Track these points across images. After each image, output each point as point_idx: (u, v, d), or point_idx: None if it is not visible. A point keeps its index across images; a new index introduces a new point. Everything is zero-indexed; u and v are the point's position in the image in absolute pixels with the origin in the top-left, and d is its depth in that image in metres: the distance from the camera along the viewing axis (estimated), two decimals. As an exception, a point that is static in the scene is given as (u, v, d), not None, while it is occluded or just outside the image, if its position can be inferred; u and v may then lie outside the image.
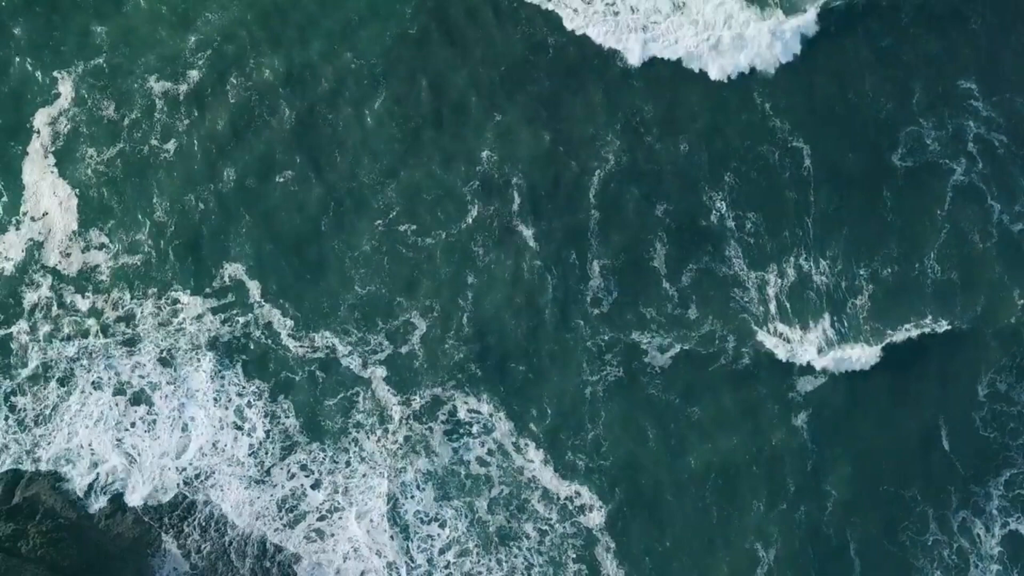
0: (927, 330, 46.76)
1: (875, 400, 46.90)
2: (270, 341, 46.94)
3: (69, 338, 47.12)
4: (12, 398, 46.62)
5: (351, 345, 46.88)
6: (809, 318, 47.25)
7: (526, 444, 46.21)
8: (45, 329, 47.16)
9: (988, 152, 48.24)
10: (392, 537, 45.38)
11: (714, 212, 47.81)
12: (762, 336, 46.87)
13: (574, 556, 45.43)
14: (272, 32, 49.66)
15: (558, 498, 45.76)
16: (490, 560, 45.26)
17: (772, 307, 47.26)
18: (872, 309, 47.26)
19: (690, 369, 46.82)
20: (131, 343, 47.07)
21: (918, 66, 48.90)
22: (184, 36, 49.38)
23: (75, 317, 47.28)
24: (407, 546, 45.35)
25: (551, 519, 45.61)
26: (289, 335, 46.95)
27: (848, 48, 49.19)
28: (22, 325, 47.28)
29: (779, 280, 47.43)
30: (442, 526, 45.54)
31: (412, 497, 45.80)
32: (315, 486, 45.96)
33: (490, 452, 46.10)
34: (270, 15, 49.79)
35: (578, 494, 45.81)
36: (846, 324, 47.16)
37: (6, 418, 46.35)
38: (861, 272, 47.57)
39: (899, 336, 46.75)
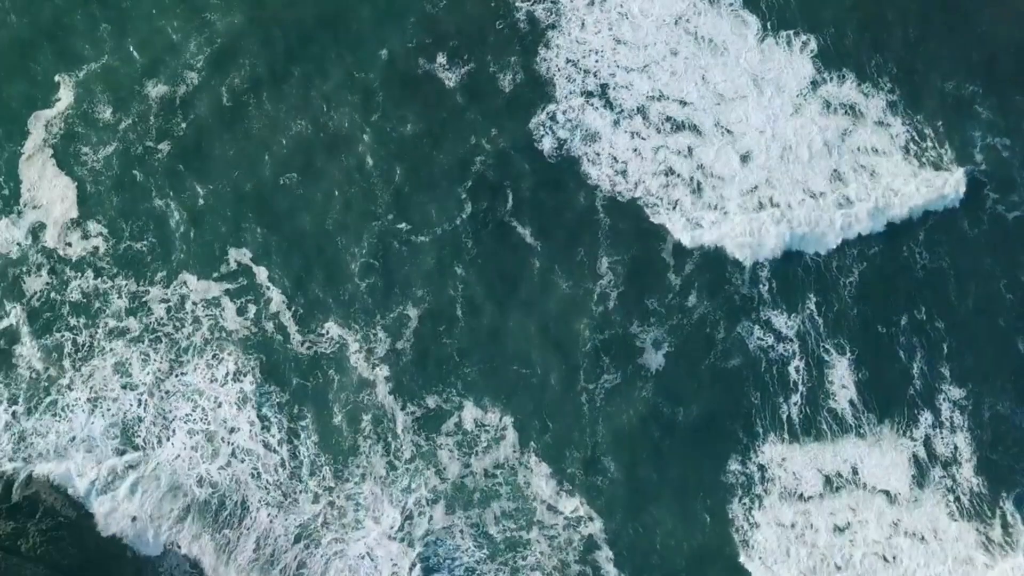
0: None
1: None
2: (278, 336, 47.22)
3: (73, 328, 47.17)
4: (13, 394, 46.49)
5: (356, 343, 47.13)
6: (797, 303, 47.77)
7: (528, 453, 46.33)
8: (47, 321, 47.25)
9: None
10: (403, 548, 45.41)
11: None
12: (749, 324, 47.40)
13: (576, 558, 45.56)
14: (272, 36, 50.16)
15: (561, 507, 45.87)
16: (497, 567, 45.41)
17: (764, 291, 47.78)
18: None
19: (684, 369, 47.18)
20: (139, 337, 47.20)
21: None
22: (185, 39, 49.95)
23: (79, 306, 47.34)
24: (417, 556, 45.39)
25: (556, 524, 45.73)
26: (295, 332, 47.19)
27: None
28: (23, 316, 47.31)
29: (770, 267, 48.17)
30: (451, 536, 45.62)
31: (422, 514, 45.83)
32: (326, 501, 45.96)
33: (495, 463, 46.31)
34: (270, 19, 50.31)
35: (581, 503, 45.92)
36: (835, 311, 47.69)
37: (7, 414, 46.31)
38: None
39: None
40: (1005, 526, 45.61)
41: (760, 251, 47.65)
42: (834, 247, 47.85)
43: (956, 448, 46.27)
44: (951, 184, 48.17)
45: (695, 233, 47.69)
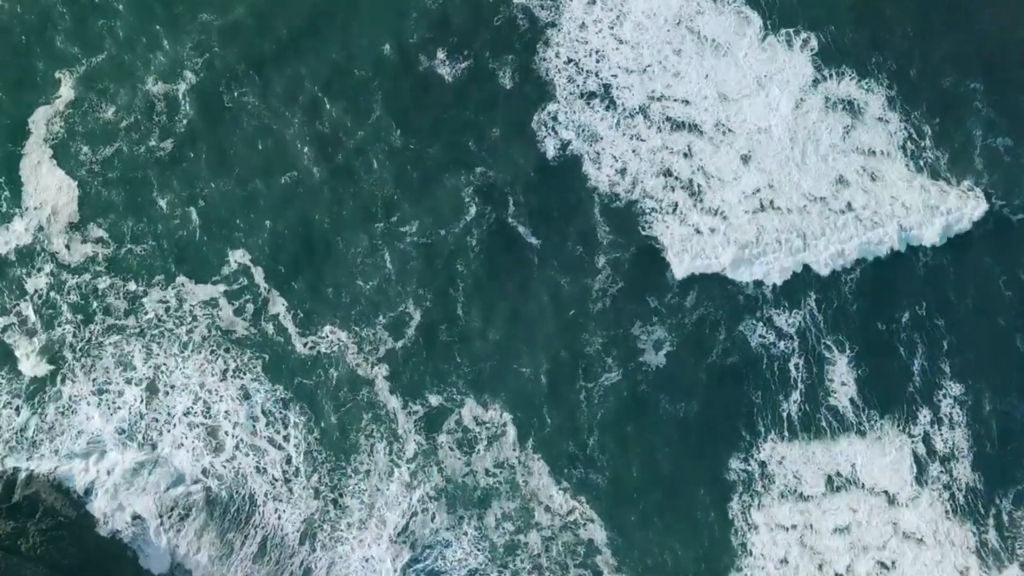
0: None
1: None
2: (278, 336, 47.15)
3: (74, 326, 47.09)
4: (14, 392, 46.47)
5: (356, 343, 47.10)
6: (799, 300, 47.85)
7: (528, 451, 46.36)
8: (48, 318, 47.12)
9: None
10: (405, 550, 45.51)
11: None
12: (751, 322, 47.45)
13: (575, 561, 45.62)
14: (273, 35, 49.95)
15: (560, 507, 45.94)
16: (498, 569, 45.43)
17: (765, 289, 47.79)
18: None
19: (683, 367, 47.17)
20: (140, 334, 47.17)
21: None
22: (185, 38, 49.75)
23: (80, 305, 47.23)
24: (418, 558, 45.49)
25: (554, 525, 45.80)
26: (296, 331, 47.14)
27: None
28: (24, 315, 47.21)
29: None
30: (453, 536, 45.67)
31: (425, 511, 45.92)
32: (329, 499, 46.05)
33: (495, 462, 46.33)
34: (270, 18, 50.11)
35: (580, 503, 46.01)
36: (835, 308, 47.77)
37: (9, 410, 46.18)
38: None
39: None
40: (1000, 528, 45.77)
41: (759, 272, 47.81)
42: (840, 267, 47.86)
43: (955, 445, 46.41)
44: (969, 207, 48.24)
45: (693, 243, 47.68)
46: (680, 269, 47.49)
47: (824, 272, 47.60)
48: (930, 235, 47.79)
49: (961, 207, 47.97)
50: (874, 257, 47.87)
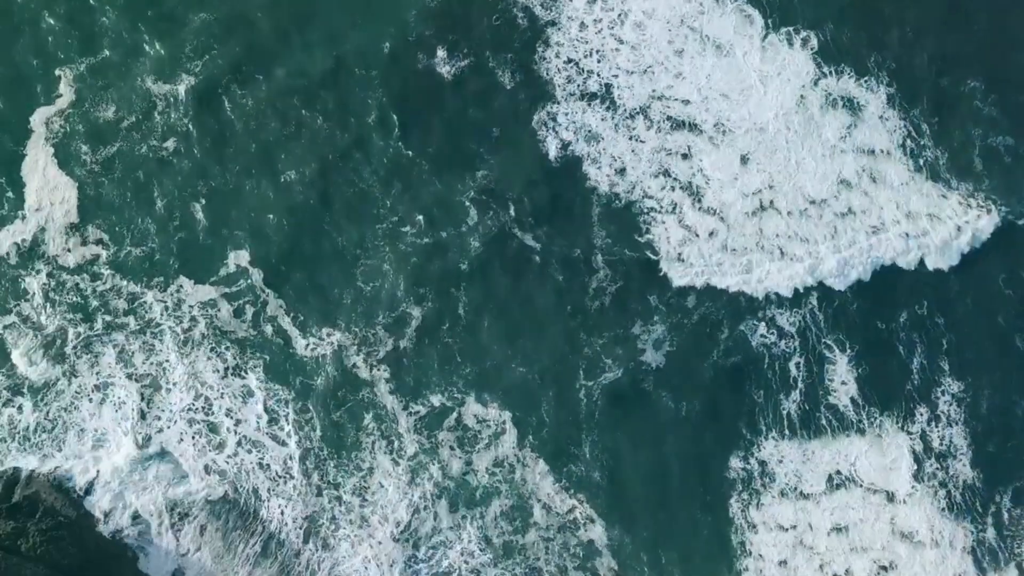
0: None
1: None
2: (278, 338, 47.10)
3: (74, 326, 47.03)
4: (14, 391, 46.40)
5: (356, 344, 47.06)
6: (800, 299, 47.85)
7: (527, 451, 46.37)
8: (48, 317, 47.07)
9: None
10: (407, 550, 45.52)
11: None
12: (752, 322, 47.44)
13: (574, 564, 45.64)
14: (272, 35, 49.86)
15: (560, 507, 45.95)
16: (500, 572, 45.47)
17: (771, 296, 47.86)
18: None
19: (684, 366, 47.16)
20: (140, 333, 47.10)
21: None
22: (185, 37, 49.66)
23: (79, 305, 47.17)
24: (420, 558, 45.51)
25: (553, 524, 45.83)
26: (297, 331, 47.09)
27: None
28: (24, 315, 47.12)
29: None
30: (455, 535, 45.68)
31: (427, 508, 45.95)
32: (332, 497, 46.05)
33: (495, 461, 46.34)
34: (270, 17, 50.02)
35: (579, 502, 46.02)
36: (835, 306, 47.78)
37: (11, 408, 46.15)
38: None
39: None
40: (999, 527, 45.85)
41: (762, 287, 47.77)
42: (846, 287, 47.82)
43: (954, 443, 46.50)
44: (971, 215, 48.17)
45: (692, 249, 47.67)
46: (678, 280, 47.54)
47: (831, 284, 47.61)
48: (940, 259, 47.84)
49: (964, 215, 47.94)
50: (877, 262, 47.90)
